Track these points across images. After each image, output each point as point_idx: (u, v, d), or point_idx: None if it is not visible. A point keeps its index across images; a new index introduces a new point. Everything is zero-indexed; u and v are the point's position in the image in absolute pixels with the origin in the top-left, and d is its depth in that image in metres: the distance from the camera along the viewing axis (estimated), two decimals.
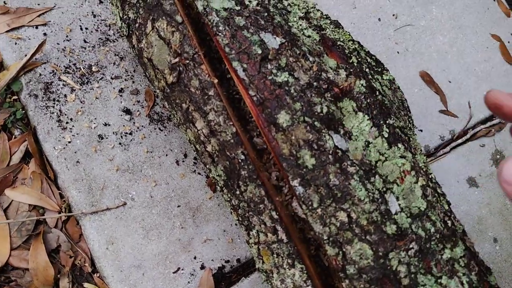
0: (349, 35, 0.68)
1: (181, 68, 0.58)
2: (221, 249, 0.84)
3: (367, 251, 0.52)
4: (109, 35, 0.90)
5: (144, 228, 0.81)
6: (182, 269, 0.81)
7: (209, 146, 0.59)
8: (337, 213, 0.51)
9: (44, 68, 0.84)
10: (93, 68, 0.86)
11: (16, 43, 0.84)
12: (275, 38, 0.55)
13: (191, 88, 0.57)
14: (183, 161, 0.86)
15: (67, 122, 0.82)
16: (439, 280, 0.55)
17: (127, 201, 0.82)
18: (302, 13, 0.64)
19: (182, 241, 0.82)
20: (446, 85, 1.08)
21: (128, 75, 0.88)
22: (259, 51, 0.53)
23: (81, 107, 0.84)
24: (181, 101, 0.60)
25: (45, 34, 0.86)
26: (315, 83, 0.54)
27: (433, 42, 1.12)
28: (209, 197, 0.86)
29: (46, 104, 0.82)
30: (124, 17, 0.68)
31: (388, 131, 0.57)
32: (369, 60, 0.68)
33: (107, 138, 0.84)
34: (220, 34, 0.54)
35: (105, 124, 0.84)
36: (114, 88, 0.87)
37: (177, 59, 0.58)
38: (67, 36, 0.87)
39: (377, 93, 0.60)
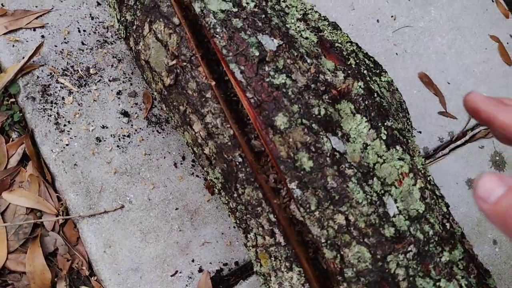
0: (347, 36, 0.68)
1: (178, 71, 0.57)
2: (219, 252, 0.84)
3: (365, 254, 0.51)
4: (107, 37, 0.90)
5: (142, 231, 0.81)
6: (180, 272, 0.81)
7: (206, 149, 0.59)
8: (335, 216, 0.51)
9: (42, 71, 0.83)
10: (91, 71, 0.86)
11: (13, 46, 0.84)
12: (272, 40, 0.54)
13: (188, 91, 0.57)
14: (181, 164, 0.86)
15: (64, 125, 0.82)
16: (437, 283, 0.54)
17: (124, 204, 0.81)
18: (300, 14, 0.64)
19: (180, 244, 0.82)
20: (445, 87, 1.08)
21: (126, 77, 0.88)
22: (257, 53, 0.53)
23: (79, 110, 0.83)
24: (179, 103, 0.60)
25: (43, 36, 0.86)
26: (312, 85, 0.53)
27: (431, 43, 1.12)
28: (207, 199, 0.85)
29: (43, 106, 0.81)
30: (122, 19, 0.68)
31: (386, 133, 0.56)
32: (367, 61, 0.68)
33: (105, 140, 0.83)
34: (217, 36, 0.54)
35: (103, 127, 0.84)
36: (112, 90, 0.86)
37: (174, 61, 0.58)
38: (65, 39, 0.87)
39: (375, 95, 0.59)
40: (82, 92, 0.84)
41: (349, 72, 0.58)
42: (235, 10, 0.56)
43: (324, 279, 0.56)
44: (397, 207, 0.54)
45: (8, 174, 0.80)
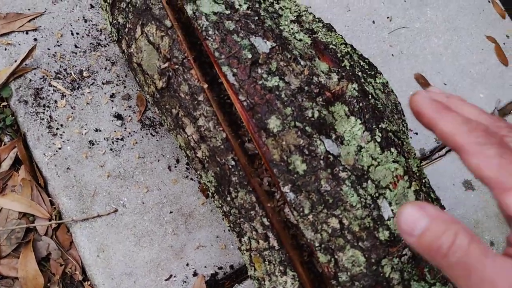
0: (342, 38, 0.67)
1: (170, 73, 0.57)
2: (214, 256, 0.83)
3: (359, 258, 0.51)
4: (100, 40, 0.89)
5: (135, 235, 0.80)
6: (175, 276, 0.80)
7: (199, 152, 0.58)
8: (328, 220, 0.50)
9: (34, 74, 0.83)
10: (84, 73, 0.85)
11: (6, 49, 0.83)
12: (265, 42, 0.54)
13: (180, 93, 0.57)
14: (175, 167, 0.86)
15: (57, 128, 0.81)
16: (432, 287, 0.54)
17: (118, 208, 0.81)
18: (294, 16, 0.63)
19: (175, 248, 0.81)
20: (441, 87, 1.08)
21: (120, 80, 0.87)
22: (249, 56, 0.52)
23: (72, 113, 0.83)
24: (171, 106, 0.59)
25: (35, 39, 0.85)
26: (306, 88, 0.53)
27: (427, 44, 1.11)
28: (202, 202, 0.85)
29: (36, 110, 0.81)
30: (114, 22, 0.67)
31: (380, 135, 0.56)
32: (362, 63, 0.67)
33: (98, 144, 0.83)
34: (209, 38, 0.53)
35: (96, 130, 0.83)
36: (105, 93, 0.86)
37: (166, 64, 0.57)
38: (57, 41, 0.86)
39: (370, 97, 0.59)
40: (75, 95, 0.84)
41: (343, 74, 0.57)
42: (227, 12, 0.55)
43: (319, 283, 0.55)
44: (392, 210, 0.53)
45: (0, 178, 0.79)
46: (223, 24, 0.54)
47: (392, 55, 1.08)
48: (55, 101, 0.82)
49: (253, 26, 0.55)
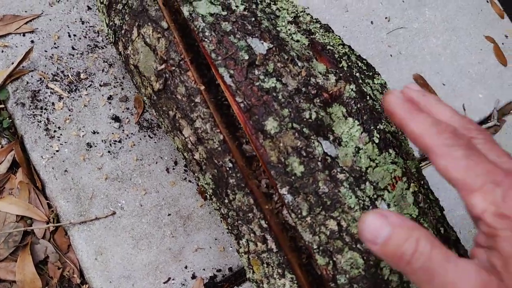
0: (339, 39, 0.67)
1: (167, 75, 0.57)
2: (212, 258, 0.83)
3: (358, 260, 0.50)
4: (97, 41, 0.89)
5: (133, 238, 0.80)
6: (173, 279, 0.80)
7: (196, 154, 0.58)
8: (326, 222, 0.50)
9: (32, 76, 0.82)
10: (82, 75, 0.85)
11: (2, 51, 0.83)
12: (262, 43, 0.54)
13: (177, 95, 0.56)
14: (173, 169, 0.85)
15: (55, 131, 0.81)
16: None
17: (116, 210, 0.80)
18: (291, 17, 0.63)
19: (173, 251, 0.81)
20: (440, 88, 1.08)
21: (117, 82, 0.87)
22: (246, 57, 0.52)
23: (69, 115, 0.82)
24: (168, 108, 0.59)
25: (32, 41, 0.85)
26: (303, 89, 0.52)
27: (426, 44, 1.11)
28: (200, 205, 0.84)
29: (33, 112, 0.81)
30: (110, 24, 0.67)
31: (379, 136, 0.55)
32: (359, 64, 0.67)
33: (95, 146, 0.82)
34: (206, 40, 0.53)
35: (94, 132, 0.83)
36: (102, 95, 0.85)
37: (163, 66, 0.57)
38: (55, 43, 0.86)
39: (368, 98, 0.59)
40: (73, 97, 0.84)
41: (341, 75, 0.57)
42: (224, 13, 0.55)
43: (318, 285, 0.55)
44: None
45: None
46: (219, 25, 0.54)
47: (391, 55, 1.07)
48: (53, 104, 0.82)
49: (250, 27, 0.55)
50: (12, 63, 0.81)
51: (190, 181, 0.85)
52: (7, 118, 0.81)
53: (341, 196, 0.50)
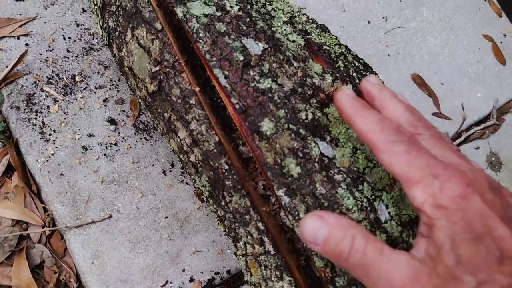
0: (336, 38, 0.66)
1: (161, 77, 0.56)
2: (210, 261, 0.82)
3: None
4: (92, 44, 0.88)
5: (130, 241, 0.79)
6: (171, 283, 0.79)
7: (192, 156, 0.58)
8: None
9: (26, 79, 0.82)
10: (77, 78, 0.85)
11: None
12: (257, 43, 0.53)
13: (172, 97, 0.56)
14: (170, 171, 0.85)
15: (50, 134, 0.80)
16: None
17: (112, 214, 0.80)
18: (287, 17, 0.62)
19: (170, 254, 0.80)
20: (439, 87, 1.07)
21: (113, 85, 0.86)
22: (241, 58, 0.51)
23: (65, 118, 0.82)
24: (163, 110, 0.58)
25: (27, 44, 0.84)
26: (299, 89, 0.52)
27: (424, 44, 1.10)
28: (198, 207, 0.84)
29: (28, 116, 0.80)
30: (104, 26, 0.66)
31: None
32: (356, 64, 0.66)
33: (91, 149, 0.82)
34: (200, 41, 0.52)
35: (90, 135, 0.82)
36: (98, 98, 0.85)
37: (157, 68, 0.56)
38: (49, 46, 0.85)
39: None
40: (68, 100, 0.83)
41: (338, 75, 0.57)
42: (218, 14, 0.55)
43: (317, 287, 0.54)
44: (389, 212, 0.52)
45: None
46: (214, 26, 0.53)
47: (388, 55, 1.07)
48: (48, 107, 0.81)
49: (244, 28, 0.54)
50: (7, 67, 0.80)
51: (187, 183, 0.85)
52: (2, 122, 0.80)
53: (338, 197, 0.49)
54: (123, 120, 0.85)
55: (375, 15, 1.09)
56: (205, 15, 0.54)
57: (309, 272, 0.55)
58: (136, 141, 0.84)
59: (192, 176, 0.62)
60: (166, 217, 0.82)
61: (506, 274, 0.35)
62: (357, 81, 0.60)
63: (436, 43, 1.11)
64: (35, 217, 0.78)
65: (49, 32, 0.86)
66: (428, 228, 0.38)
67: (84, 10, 0.90)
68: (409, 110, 0.46)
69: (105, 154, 0.82)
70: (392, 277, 0.38)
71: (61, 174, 0.79)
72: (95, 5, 0.68)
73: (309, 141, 0.50)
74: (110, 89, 0.86)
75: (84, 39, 0.88)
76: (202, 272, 0.81)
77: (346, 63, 0.61)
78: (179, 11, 0.54)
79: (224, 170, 0.54)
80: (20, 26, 0.85)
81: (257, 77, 0.51)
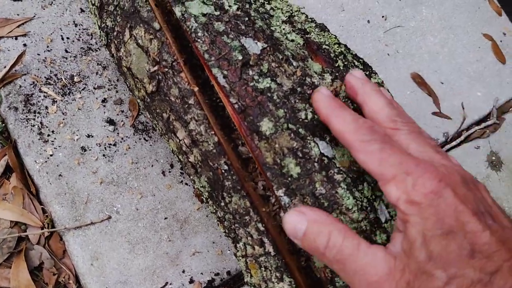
0: (335, 38, 0.66)
1: (160, 77, 0.56)
2: (210, 262, 0.82)
3: None
4: (91, 44, 0.88)
5: (130, 242, 0.79)
6: (171, 284, 0.79)
7: (191, 157, 0.57)
8: None
9: (24, 80, 0.82)
10: (75, 79, 0.84)
11: None
12: (256, 43, 0.53)
13: (171, 97, 0.55)
14: (169, 172, 0.84)
15: (48, 135, 0.80)
16: None
17: (112, 215, 0.79)
18: (286, 16, 0.62)
19: (170, 255, 0.80)
20: (438, 86, 1.07)
21: (112, 85, 0.86)
22: (240, 57, 0.51)
23: (63, 119, 0.81)
24: (162, 110, 0.58)
25: (25, 45, 0.84)
26: (299, 89, 0.52)
27: (423, 43, 1.10)
28: (197, 208, 0.83)
29: (26, 116, 0.80)
30: (102, 26, 0.66)
31: None
32: (356, 63, 0.66)
33: (90, 150, 0.81)
34: (199, 40, 0.52)
35: (88, 136, 0.82)
36: (97, 98, 0.84)
37: (156, 68, 0.56)
38: (47, 47, 0.85)
39: None
40: (66, 100, 0.83)
41: (337, 74, 0.56)
42: (217, 13, 0.54)
43: None
44: (389, 212, 0.52)
45: None
46: (212, 25, 0.53)
47: (388, 54, 1.06)
48: (46, 107, 0.81)
49: (243, 27, 0.54)
50: (5, 67, 0.80)
51: (186, 184, 0.84)
52: (0, 123, 0.80)
53: (338, 197, 0.49)
54: (122, 121, 0.84)
55: (374, 14, 1.09)
56: (204, 15, 0.54)
57: (309, 273, 0.54)
58: (135, 142, 0.84)
59: (191, 177, 0.62)
60: (165, 218, 0.82)
61: (476, 268, 0.35)
62: None
63: (435, 42, 1.11)
64: (34, 218, 0.77)
65: (47, 32, 0.86)
66: (403, 224, 0.39)
67: (82, 10, 0.90)
68: (389, 105, 0.47)
69: (104, 155, 0.82)
70: (368, 273, 0.39)
71: (60, 175, 0.79)
72: (93, 4, 0.68)
73: (308, 141, 0.49)
74: (108, 90, 0.86)
75: (82, 39, 0.88)
76: (202, 273, 0.81)
77: (345, 63, 0.61)
78: (177, 10, 0.54)
79: (223, 171, 0.53)
80: (18, 26, 0.84)
81: (256, 77, 0.51)
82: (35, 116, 0.80)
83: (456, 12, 1.15)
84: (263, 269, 0.56)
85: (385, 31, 1.08)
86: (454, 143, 1.04)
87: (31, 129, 0.79)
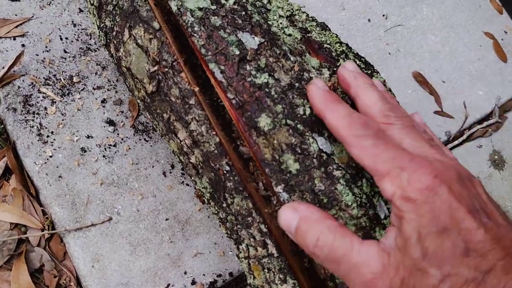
0: (336, 37, 0.66)
1: (160, 77, 0.55)
2: (212, 263, 0.81)
3: None
4: (90, 44, 0.88)
5: (131, 244, 0.78)
6: (172, 285, 0.78)
7: (192, 158, 0.57)
8: None
9: (23, 81, 0.81)
10: (74, 79, 0.84)
11: None
12: (253, 37, 0.52)
13: (171, 97, 0.55)
14: (170, 172, 0.84)
15: (48, 136, 0.80)
16: None
17: (112, 216, 0.79)
18: (287, 15, 0.62)
19: (172, 256, 0.80)
20: (440, 85, 1.06)
21: (111, 85, 0.86)
22: (237, 52, 0.51)
23: (62, 120, 0.81)
24: (162, 111, 0.57)
25: (23, 45, 0.84)
26: (297, 84, 0.51)
27: (424, 42, 1.10)
28: (199, 208, 0.83)
29: (25, 117, 0.79)
30: (101, 25, 0.66)
31: None
32: (358, 62, 0.65)
33: (90, 151, 0.81)
34: (195, 35, 0.51)
35: (88, 137, 0.82)
36: (96, 98, 0.84)
37: (156, 68, 0.55)
38: (46, 47, 0.85)
39: None
40: (66, 101, 0.82)
41: (335, 69, 0.56)
42: (213, 7, 0.54)
43: None
44: (388, 208, 0.52)
45: None
46: (209, 20, 0.52)
47: (389, 53, 1.06)
48: (45, 108, 0.81)
49: (240, 22, 0.53)
50: (3, 68, 0.80)
51: (187, 184, 0.84)
52: None
53: (337, 193, 0.48)
54: (121, 121, 0.84)
55: (375, 13, 1.09)
56: (200, 9, 0.53)
57: (312, 274, 0.54)
58: (136, 142, 0.84)
59: (192, 178, 0.61)
60: (166, 219, 0.81)
61: (470, 267, 0.35)
62: None
63: (436, 41, 1.11)
64: (34, 220, 0.77)
65: (46, 32, 0.86)
66: (398, 220, 0.39)
67: (80, 10, 0.89)
68: (382, 99, 0.47)
69: (104, 156, 0.81)
70: (362, 271, 0.39)
71: (60, 176, 0.79)
72: (92, 4, 0.67)
73: (307, 137, 0.49)
74: (108, 90, 0.85)
75: (81, 40, 0.87)
76: (204, 275, 0.80)
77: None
78: (173, 4, 0.53)
79: (225, 172, 0.53)
80: (16, 26, 0.84)
81: (253, 72, 0.50)
82: (34, 117, 0.80)
83: (457, 10, 1.15)
84: (266, 270, 0.56)
85: (385, 30, 1.08)
86: (456, 142, 1.03)
87: (30, 130, 0.79)
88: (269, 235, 0.52)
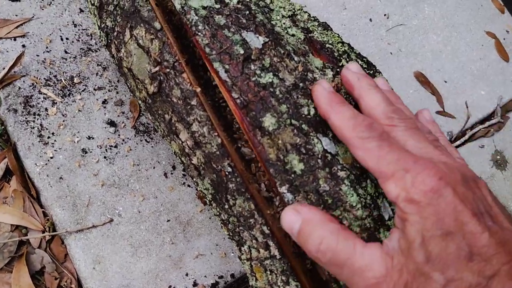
0: (339, 37, 0.65)
1: (161, 78, 0.55)
2: (214, 265, 0.81)
3: None
4: (91, 44, 0.87)
5: (132, 245, 0.78)
6: (174, 287, 0.78)
7: (194, 159, 0.56)
8: None
9: (24, 81, 0.81)
10: (75, 80, 0.83)
11: None
12: (257, 37, 0.52)
13: (173, 98, 0.54)
14: (171, 174, 0.83)
15: (48, 137, 0.79)
16: None
17: (113, 218, 0.78)
18: (288, 15, 0.61)
19: (173, 258, 0.79)
20: (442, 85, 1.06)
21: (112, 86, 0.85)
22: (241, 51, 0.50)
23: (63, 121, 0.81)
24: (164, 112, 0.57)
25: (23, 46, 0.83)
26: (301, 84, 0.51)
27: (426, 41, 1.09)
28: (200, 210, 0.83)
29: (26, 118, 0.79)
30: (102, 26, 0.65)
31: None
32: (360, 62, 0.65)
33: (91, 152, 0.81)
34: (199, 34, 0.51)
35: (89, 138, 0.81)
36: (97, 99, 0.84)
37: (157, 68, 0.55)
38: (47, 47, 0.84)
39: None
40: (66, 102, 0.82)
41: (338, 70, 0.56)
42: (217, 6, 0.53)
43: None
44: (392, 210, 0.51)
45: None
46: (213, 18, 0.52)
47: (391, 53, 1.06)
48: (46, 109, 0.80)
49: (244, 21, 0.53)
50: (3, 69, 0.79)
51: (189, 185, 0.83)
52: (0, 125, 0.79)
53: (342, 194, 0.48)
54: (123, 122, 0.83)
55: (376, 12, 1.08)
56: (204, 7, 0.53)
57: (315, 275, 0.53)
58: (137, 143, 0.83)
59: (194, 179, 0.61)
60: (168, 221, 0.81)
61: (474, 272, 0.35)
62: None
63: (438, 41, 1.10)
64: (35, 222, 0.77)
65: (46, 33, 0.85)
66: (402, 222, 0.39)
67: (81, 10, 0.89)
68: (386, 101, 0.47)
69: (105, 157, 0.81)
70: (366, 275, 0.39)
71: (61, 177, 0.78)
72: (92, 4, 0.67)
73: (311, 137, 0.48)
74: (109, 91, 0.85)
75: (82, 40, 0.87)
76: (205, 276, 0.80)
77: (349, 62, 0.60)
78: (177, 3, 0.53)
79: (227, 173, 0.52)
80: (17, 27, 0.84)
81: (258, 71, 0.50)
82: (34, 118, 0.79)
83: (459, 10, 1.14)
84: (268, 272, 0.55)
85: (387, 30, 1.08)
86: (458, 142, 1.03)
87: (31, 131, 0.79)
88: (271, 237, 0.52)
